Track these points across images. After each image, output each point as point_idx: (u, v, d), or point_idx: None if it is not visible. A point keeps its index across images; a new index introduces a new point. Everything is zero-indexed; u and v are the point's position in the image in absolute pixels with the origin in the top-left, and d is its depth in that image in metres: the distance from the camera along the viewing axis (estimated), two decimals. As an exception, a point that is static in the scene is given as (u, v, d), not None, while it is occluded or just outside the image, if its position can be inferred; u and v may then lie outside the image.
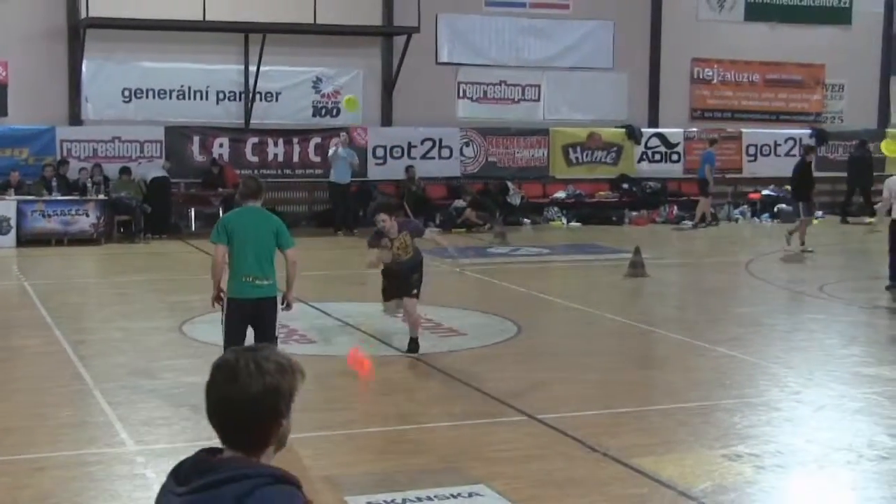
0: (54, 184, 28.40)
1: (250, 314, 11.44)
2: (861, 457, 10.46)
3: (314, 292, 20.32)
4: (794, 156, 37.23)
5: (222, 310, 11.67)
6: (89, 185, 28.76)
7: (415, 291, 14.95)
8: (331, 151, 30.74)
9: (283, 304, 11.80)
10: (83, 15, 29.37)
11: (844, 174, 36.40)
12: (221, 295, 11.66)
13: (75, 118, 30.53)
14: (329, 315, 17.93)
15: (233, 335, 11.31)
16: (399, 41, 32.66)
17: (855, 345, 16.26)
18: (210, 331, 16.53)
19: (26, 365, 14.67)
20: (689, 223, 33.47)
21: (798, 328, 17.38)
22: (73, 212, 27.53)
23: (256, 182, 12.06)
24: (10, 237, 27.00)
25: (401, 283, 14.97)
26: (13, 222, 27.08)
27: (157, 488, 9.30)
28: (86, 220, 27.65)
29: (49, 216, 27.18)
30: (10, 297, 21.16)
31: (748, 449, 10.61)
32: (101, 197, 28.55)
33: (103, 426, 11.21)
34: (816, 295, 20.79)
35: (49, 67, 30.12)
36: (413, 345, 14.99)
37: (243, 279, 11.42)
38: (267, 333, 11.44)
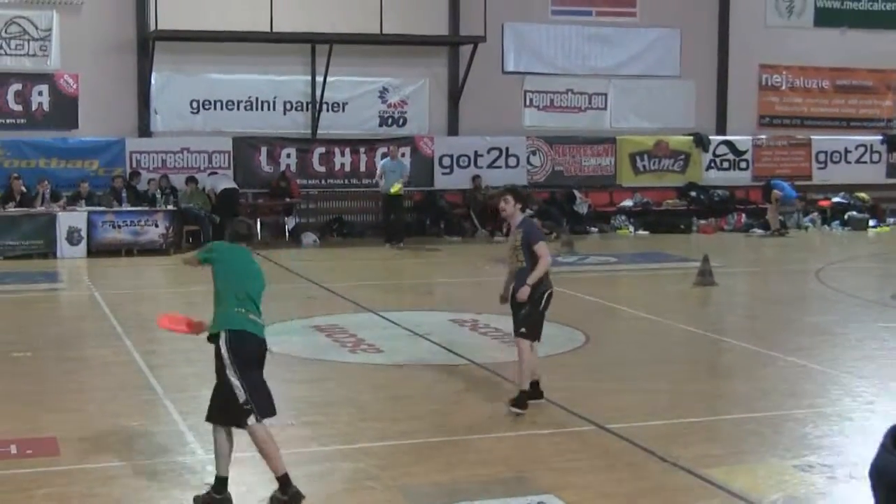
0: (124, 194, 28.70)
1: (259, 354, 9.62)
2: (935, 467, 10.36)
3: (381, 302, 20.38)
4: (864, 162, 37.16)
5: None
6: (158, 195, 29.02)
7: (522, 330, 12.63)
8: (380, 166, 30.80)
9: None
10: (152, 28, 29.64)
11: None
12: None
13: (144, 130, 30.84)
14: (397, 325, 17.94)
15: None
16: (465, 50, 32.73)
17: (927, 354, 16.14)
18: (279, 341, 16.61)
19: (98, 374, 14.80)
20: (758, 231, 33.31)
21: (870, 337, 17.21)
22: (143, 222, 27.78)
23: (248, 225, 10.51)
24: (81, 247, 27.29)
25: (512, 311, 12.83)
26: (84, 233, 27.38)
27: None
28: (155, 231, 27.90)
29: (119, 226, 27.44)
30: (81, 307, 21.39)
31: (820, 460, 10.53)
32: (170, 207, 28.81)
33: (174, 435, 11.29)
34: (888, 303, 20.61)
35: (119, 80, 30.45)
36: (521, 397, 12.51)
37: (249, 316, 9.57)
38: None
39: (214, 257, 9.83)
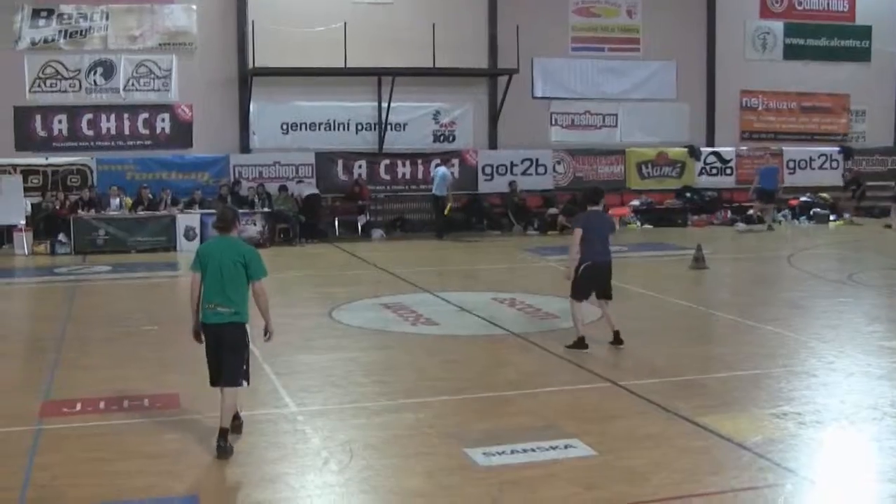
0: (229, 200, 28.81)
1: (214, 338, 9.58)
2: (885, 414, 10.28)
3: (436, 284, 20.39)
4: (825, 169, 37.00)
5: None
6: (256, 200, 29.14)
7: (571, 293, 13.98)
8: (435, 171, 30.96)
9: (264, 334, 9.86)
10: (251, 66, 29.87)
11: (869, 184, 36.05)
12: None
13: (245, 147, 31.00)
14: (448, 302, 17.94)
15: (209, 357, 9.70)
16: (502, 80, 32.71)
17: (878, 323, 15.96)
18: (354, 316, 16.66)
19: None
20: (742, 225, 33.08)
21: (831, 309, 17.07)
22: (244, 222, 27.79)
23: (233, 211, 10.19)
24: (196, 242, 27.35)
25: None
26: (197, 230, 27.53)
27: (315, 441, 9.43)
28: (254, 228, 27.98)
29: (226, 225, 27.48)
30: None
31: (792, 408, 10.47)
32: (266, 210, 28.95)
33: (271, 392, 11.33)
34: (845, 282, 20.44)
35: (224, 108, 30.64)
36: (575, 342, 13.65)
37: (207, 306, 9.56)
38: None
39: (197, 265, 9.69)
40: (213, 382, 9.62)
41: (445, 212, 30.03)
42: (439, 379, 12.13)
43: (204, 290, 9.54)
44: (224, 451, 9.13)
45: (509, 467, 8.70)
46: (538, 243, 28.28)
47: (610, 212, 17.02)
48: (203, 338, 9.62)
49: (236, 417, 9.73)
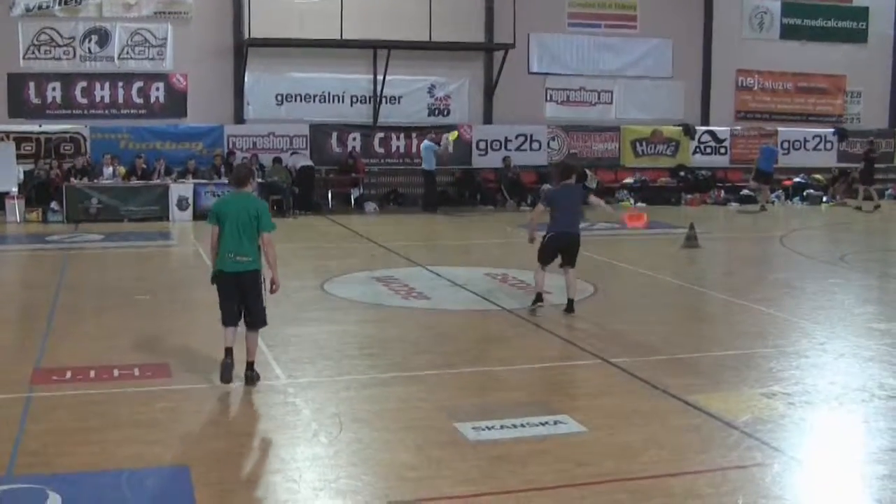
0: (222, 170, 28.77)
1: (234, 285, 10.43)
2: (873, 396, 10.32)
3: (428, 258, 20.38)
4: (819, 150, 37.03)
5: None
6: (250, 171, 29.06)
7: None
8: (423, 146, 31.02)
9: (271, 286, 10.57)
10: (246, 36, 29.75)
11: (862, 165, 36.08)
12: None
13: (239, 118, 30.92)
14: (441, 277, 17.95)
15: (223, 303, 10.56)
16: (498, 55, 32.65)
17: (868, 304, 16.01)
18: (346, 289, 16.67)
19: (202, 314, 14.63)
20: (735, 205, 33.21)
21: (822, 290, 17.10)
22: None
23: (247, 169, 11.20)
24: (188, 212, 27.47)
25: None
26: (190, 200, 27.55)
27: (305, 413, 9.45)
28: (247, 199, 27.88)
29: (218, 195, 27.35)
30: (188, 260, 21.52)
31: (781, 388, 10.49)
32: (259, 181, 28.84)
33: (262, 364, 11.28)
34: (837, 263, 20.47)
35: (219, 78, 30.52)
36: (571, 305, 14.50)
37: (227, 256, 10.35)
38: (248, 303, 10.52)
39: (214, 219, 10.52)
40: (226, 323, 10.43)
41: (451, 138, 30.31)
42: (430, 353, 12.15)
43: (223, 241, 10.36)
44: (252, 378, 10.42)
45: (499, 442, 8.71)
46: (531, 219, 28.25)
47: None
48: (220, 283, 10.46)
49: (252, 367, 10.56)
